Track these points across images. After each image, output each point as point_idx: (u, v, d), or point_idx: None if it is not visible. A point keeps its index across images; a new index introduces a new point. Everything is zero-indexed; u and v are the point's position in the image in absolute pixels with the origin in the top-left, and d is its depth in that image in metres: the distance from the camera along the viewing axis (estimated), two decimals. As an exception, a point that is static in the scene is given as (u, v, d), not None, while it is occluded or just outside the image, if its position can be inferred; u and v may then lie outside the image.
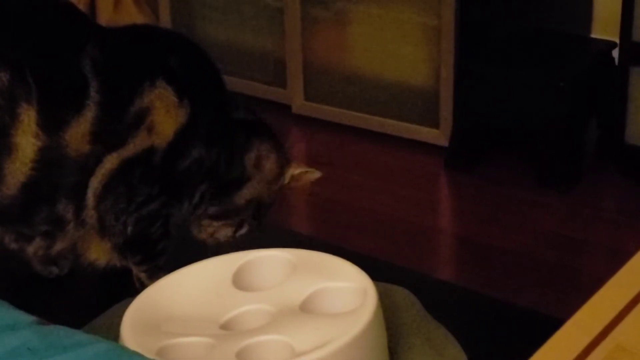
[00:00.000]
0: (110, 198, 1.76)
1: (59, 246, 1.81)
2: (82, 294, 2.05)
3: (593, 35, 2.95)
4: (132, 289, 1.85)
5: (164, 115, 1.77)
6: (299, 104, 3.09)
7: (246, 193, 1.92)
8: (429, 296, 1.94)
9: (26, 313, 1.17)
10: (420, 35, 2.84)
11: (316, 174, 1.99)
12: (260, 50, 3.16)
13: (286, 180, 1.96)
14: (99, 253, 1.85)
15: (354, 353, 1.50)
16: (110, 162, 1.74)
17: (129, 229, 1.80)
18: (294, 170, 1.96)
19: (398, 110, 2.91)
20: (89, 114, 1.70)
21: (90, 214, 1.77)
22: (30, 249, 1.81)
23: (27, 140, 1.67)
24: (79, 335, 1.13)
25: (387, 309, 1.69)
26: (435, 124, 2.85)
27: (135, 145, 1.74)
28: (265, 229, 2.04)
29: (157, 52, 1.84)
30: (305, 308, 1.62)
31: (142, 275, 1.89)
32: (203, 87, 1.87)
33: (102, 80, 1.71)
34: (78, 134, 1.70)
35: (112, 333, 1.56)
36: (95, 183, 1.74)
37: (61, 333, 1.13)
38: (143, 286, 1.83)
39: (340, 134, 2.97)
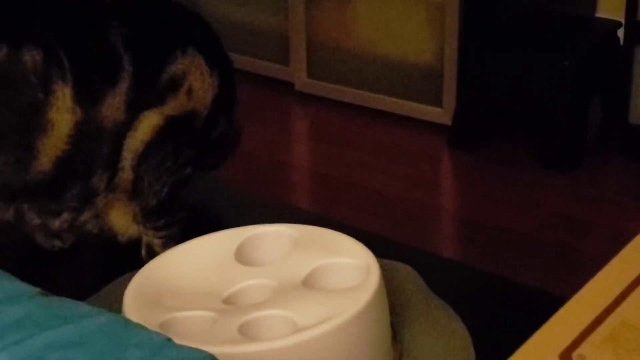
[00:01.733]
0: (157, 156, 1.78)
1: (84, 217, 1.82)
2: (85, 267, 2.05)
3: (598, 15, 2.94)
4: (135, 263, 1.85)
5: (200, 82, 1.79)
6: (302, 81, 3.09)
7: None
8: (431, 273, 1.93)
9: (29, 284, 1.17)
10: (424, 13, 2.83)
11: None
12: (263, 27, 3.15)
13: None
14: (119, 219, 1.86)
15: (356, 328, 1.50)
16: (152, 118, 1.75)
17: (165, 190, 1.81)
18: None
19: (401, 88, 2.91)
20: (124, 86, 1.72)
21: (125, 176, 1.77)
22: (56, 223, 1.82)
23: (62, 117, 1.69)
24: (82, 307, 1.13)
25: (389, 285, 1.69)
26: (438, 103, 2.85)
27: (177, 105, 1.77)
28: (269, 204, 2.04)
29: (182, 24, 1.87)
30: (308, 283, 1.62)
31: (157, 243, 1.89)
32: (223, 59, 1.90)
33: (133, 52, 1.73)
34: (114, 105, 1.71)
35: (114, 307, 1.56)
36: (136, 142, 1.75)
37: (64, 305, 1.13)
38: (151, 256, 1.83)
39: (343, 111, 2.97)
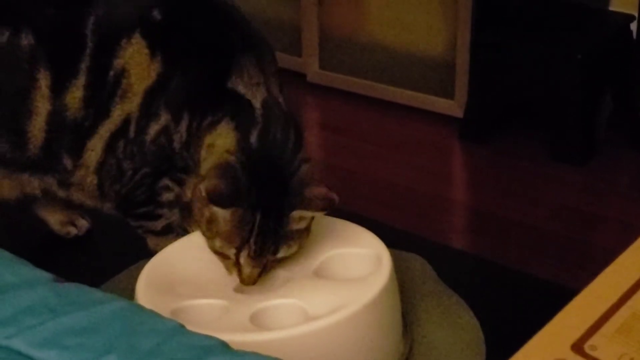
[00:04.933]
0: (105, 166, 1.75)
1: None
2: (99, 255, 2.06)
3: (611, 8, 2.93)
4: (148, 251, 1.85)
5: (138, 76, 1.68)
6: (314, 72, 3.08)
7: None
8: (442, 264, 1.94)
9: (44, 271, 1.18)
10: (436, 4, 2.83)
11: None
12: (275, 18, 3.15)
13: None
14: None
15: (367, 318, 1.51)
16: (104, 133, 1.73)
17: (122, 194, 1.78)
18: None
19: (413, 80, 2.90)
20: (82, 79, 1.69)
21: (90, 178, 1.77)
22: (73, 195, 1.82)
23: (43, 105, 1.69)
24: (95, 294, 1.14)
25: (401, 276, 1.69)
26: (450, 95, 2.84)
27: (115, 115, 1.70)
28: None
29: (143, 3, 1.71)
30: (320, 273, 1.62)
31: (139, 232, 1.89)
32: (188, 44, 1.70)
33: (96, 40, 1.68)
34: (75, 98, 1.69)
35: (127, 294, 1.56)
36: (99, 150, 1.73)
37: (78, 291, 1.13)
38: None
39: (355, 103, 2.96)
